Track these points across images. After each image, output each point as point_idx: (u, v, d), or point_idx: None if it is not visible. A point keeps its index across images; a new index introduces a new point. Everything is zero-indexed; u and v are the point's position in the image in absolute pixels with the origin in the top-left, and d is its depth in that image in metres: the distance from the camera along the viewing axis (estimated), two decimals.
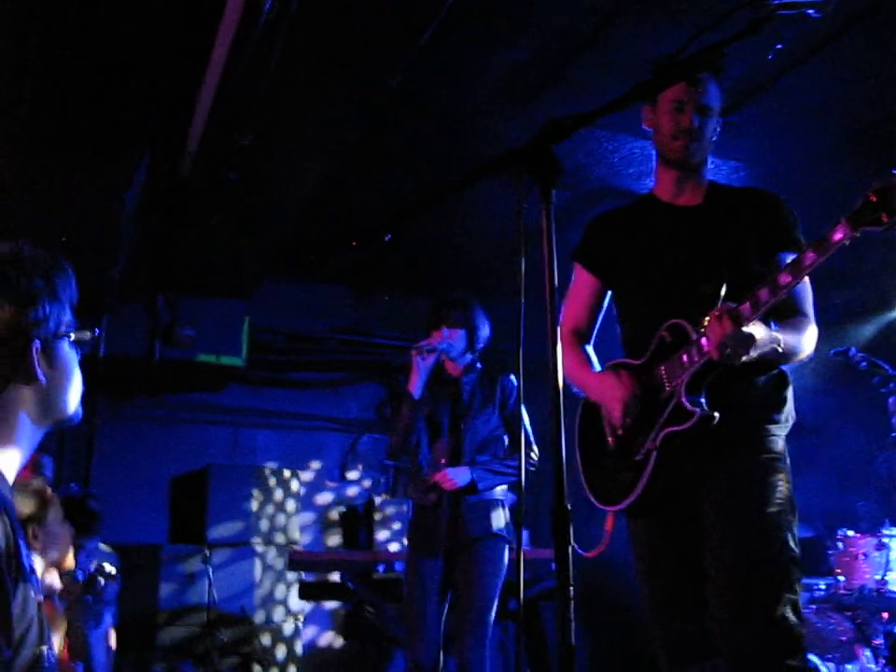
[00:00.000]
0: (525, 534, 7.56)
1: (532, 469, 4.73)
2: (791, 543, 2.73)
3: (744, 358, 2.62)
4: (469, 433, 4.67)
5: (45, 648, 1.52)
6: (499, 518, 4.63)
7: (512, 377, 4.80)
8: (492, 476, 4.60)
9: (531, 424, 4.74)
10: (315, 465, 8.54)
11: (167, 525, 7.30)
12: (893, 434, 6.30)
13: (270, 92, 4.52)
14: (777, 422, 2.89)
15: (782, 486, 2.79)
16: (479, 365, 4.85)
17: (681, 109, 2.98)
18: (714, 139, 3.09)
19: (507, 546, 4.63)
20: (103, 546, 5.98)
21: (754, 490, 2.77)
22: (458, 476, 4.52)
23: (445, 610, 4.61)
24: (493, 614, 4.50)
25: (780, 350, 2.71)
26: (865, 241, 2.40)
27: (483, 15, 4.50)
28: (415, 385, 4.65)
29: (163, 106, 4.84)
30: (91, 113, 4.76)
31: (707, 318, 2.62)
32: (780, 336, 2.70)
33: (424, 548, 4.60)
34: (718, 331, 2.57)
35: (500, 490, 4.69)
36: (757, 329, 2.60)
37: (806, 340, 2.86)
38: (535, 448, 4.71)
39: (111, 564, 5.31)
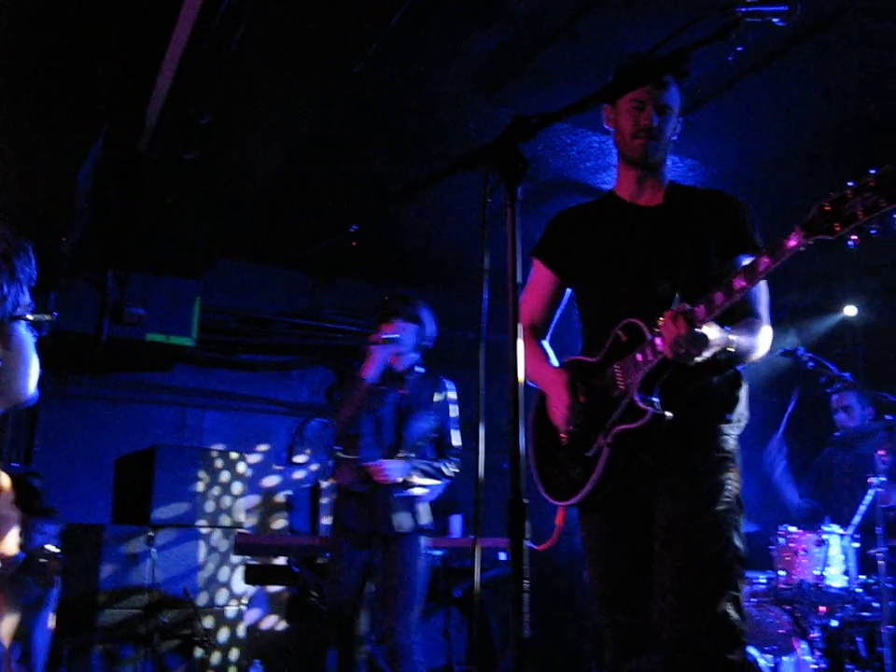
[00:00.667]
0: (459, 522, 7.62)
1: (453, 474, 4.80)
2: (737, 541, 2.78)
3: (697, 359, 2.65)
4: (409, 430, 4.75)
5: None
6: (426, 513, 4.77)
7: (451, 383, 4.93)
8: (423, 476, 4.71)
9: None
10: (263, 448, 8.49)
11: (111, 506, 7.22)
12: (837, 433, 6.42)
13: (231, 73, 4.48)
14: (729, 421, 2.93)
15: (731, 485, 2.84)
16: (421, 367, 4.94)
17: (642, 108, 3.01)
18: (674, 139, 3.12)
19: (430, 538, 4.76)
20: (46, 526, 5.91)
21: (703, 488, 2.82)
22: (394, 471, 4.58)
23: (364, 586, 4.70)
24: (420, 601, 4.62)
25: (733, 351, 2.74)
26: (816, 242, 2.44)
27: (451, 2, 4.50)
28: (371, 372, 4.70)
29: (123, 80, 4.78)
30: (47, 84, 4.68)
31: (662, 319, 2.65)
32: (734, 337, 2.74)
33: (350, 536, 4.70)
34: (672, 332, 2.60)
35: (424, 487, 4.78)
36: (710, 331, 2.64)
37: (760, 341, 2.91)
38: (459, 455, 4.84)
39: (53, 544, 5.25)
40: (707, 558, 2.75)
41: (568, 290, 3.27)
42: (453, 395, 4.89)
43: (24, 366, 1.66)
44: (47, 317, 1.73)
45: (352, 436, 4.78)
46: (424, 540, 4.70)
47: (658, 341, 2.74)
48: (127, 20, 4.32)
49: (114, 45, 4.47)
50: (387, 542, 4.61)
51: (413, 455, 4.71)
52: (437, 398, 4.81)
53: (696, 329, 2.59)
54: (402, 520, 4.62)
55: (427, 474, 4.70)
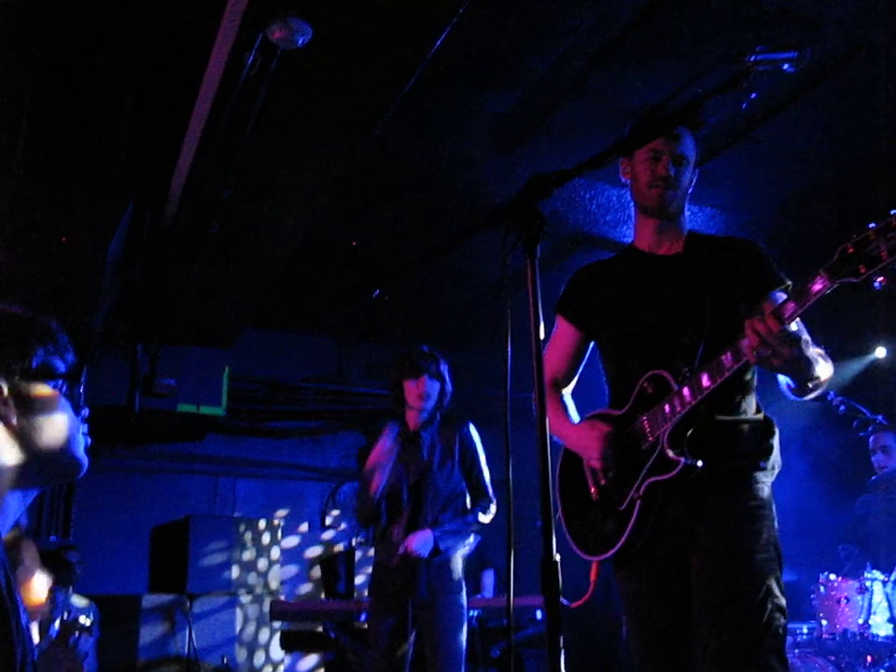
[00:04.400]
0: (492, 578, 7.54)
1: (486, 522, 4.72)
2: (777, 590, 2.73)
3: (780, 362, 2.53)
4: (430, 493, 4.65)
5: None
6: (458, 570, 4.65)
7: (471, 427, 4.81)
8: (454, 537, 4.60)
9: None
10: (296, 514, 8.50)
11: (147, 576, 7.24)
12: (874, 477, 6.34)
13: (251, 145, 4.57)
14: (763, 469, 2.89)
15: (768, 533, 2.80)
16: (438, 416, 4.81)
17: (658, 159, 3.01)
18: (690, 190, 3.13)
19: (463, 592, 4.64)
20: (78, 600, 5.92)
21: (740, 537, 2.77)
22: (422, 547, 4.49)
23: (410, 653, 4.61)
24: (463, 659, 4.53)
25: (815, 363, 2.64)
26: (841, 285, 2.42)
27: (466, 65, 4.58)
28: (378, 487, 4.70)
29: (146, 158, 4.87)
30: (76, 163, 4.78)
31: (750, 322, 2.54)
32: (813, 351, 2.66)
33: (385, 606, 4.61)
34: (762, 329, 2.49)
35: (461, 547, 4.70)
36: (799, 331, 2.56)
37: (827, 367, 2.77)
38: (491, 498, 4.73)
39: (88, 616, 5.27)
40: (746, 609, 2.69)
41: (591, 344, 3.26)
42: (473, 441, 4.77)
43: (54, 428, 1.68)
44: (66, 372, 1.75)
45: (378, 514, 4.77)
46: (461, 597, 4.60)
47: (685, 391, 2.74)
48: (149, 98, 4.41)
49: (137, 122, 4.56)
50: (424, 608, 4.56)
51: (444, 516, 4.63)
52: (457, 447, 4.71)
53: (787, 327, 2.50)
54: (437, 585, 4.55)
55: (457, 533, 4.63)
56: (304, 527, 8.49)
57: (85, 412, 1.78)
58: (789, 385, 2.80)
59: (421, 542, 4.52)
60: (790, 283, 2.96)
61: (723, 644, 2.67)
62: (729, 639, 2.66)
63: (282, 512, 8.29)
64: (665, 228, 3.11)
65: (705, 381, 2.72)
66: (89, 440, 1.77)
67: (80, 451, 1.73)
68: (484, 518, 4.68)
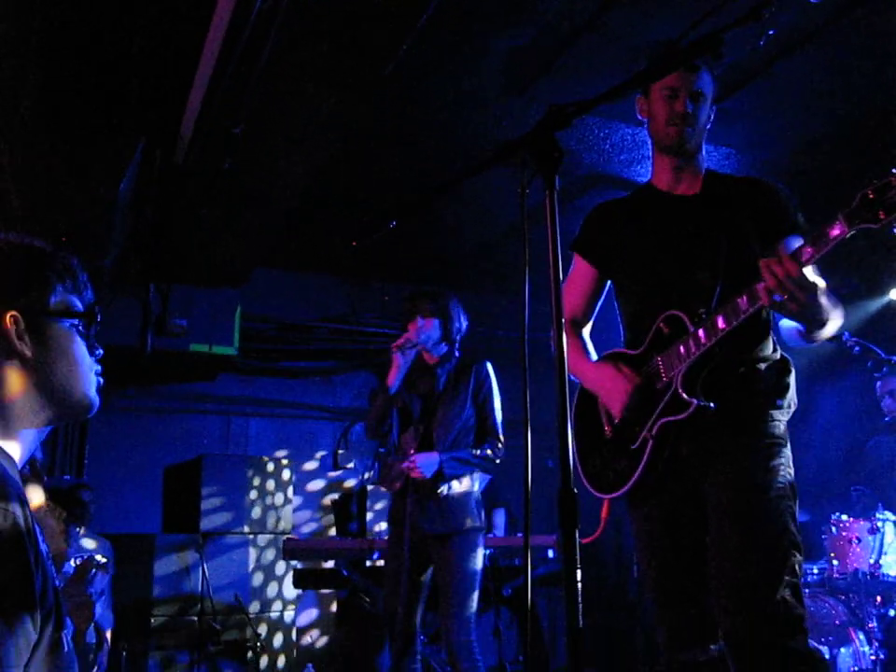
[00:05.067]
0: (503, 518, 7.57)
1: (497, 459, 4.72)
2: (792, 527, 2.74)
3: (796, 307, 2.52)
4: (442, 424, 4.67)
5: (63, 633, 1.53)
6: (475, 509, 4.63)
7: (488, 365, 4.82)
8: (460, 465, 4.59)
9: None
10: (308, 453, 8.55)
11: (161, 515, 7.31)
12: (886, 419, 6.33)
13: (262, 82, 4.51)
14: (779, 407, 2.89)
15: (783, 471, 2.80)
16: (457, 354, 4.85)
17: (675, 96, 2.97)
18: (708, 126, 3.09)
19: (481, 534, 4.64)
20: (89, 542, 5.98)
21: (755, 474, 2.77)
22: (426, 465, 4.52)
23: (424, 590, 4.64)
24: (475, 600, 4.53)
25: (828, 310, 2.66)
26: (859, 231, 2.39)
27: (478, 3, 4.51)
28: (394, 380, 4.69)
29: (158, 94, 4.83)
30: (87, 102, 4.74)
31: (767, 263, 2.52)
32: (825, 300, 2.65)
33: (401, 535, 4.61)
34: (780, 272, 2.47)
35: (470, 481, 4.67)
36: (817, 279, 2.54)
37: (838, 314, 2.77)
38: (501, 438, 4.72)
39: (104, 553, 5.33)
40: (762, 546, 2.70)
41: (608, 283, 3.24)
42: (489, 378, 4.78)
43: (67, 365, 1.68)
44: (83, 307, 1.75)
45: (384, 435, 4.79)
46: (474, 537, 4.59)
47: (701, 332, 2.73)
48: (160, 34, 4.36)
49: (147, 59, 4.52)
50: (438, 541, 4.57)
51: (448, 448, 4.64)
52: (472, 383, 4.73)
53: (805, 274, 2.47)
54: (447, 521, 4.56)
55: (464, 462, 4.63)
56: (316, 466, 8.55)
57: (99, 352, 1.77)
58: (798, 330, 2.79)
59: (426, 460, 4.53)
60: (805, 226, 2.93)
61: (739, 580, 2.68)
62: (744, 576, 2.67)
63: (294, 452, 8.34)
64: (682, 166, 3.08)
65: (720, 323, 2.71)
66: (101, 380, 1.77)
67: (92, 391, 1.73)
68: (492, 455, 4.67)
